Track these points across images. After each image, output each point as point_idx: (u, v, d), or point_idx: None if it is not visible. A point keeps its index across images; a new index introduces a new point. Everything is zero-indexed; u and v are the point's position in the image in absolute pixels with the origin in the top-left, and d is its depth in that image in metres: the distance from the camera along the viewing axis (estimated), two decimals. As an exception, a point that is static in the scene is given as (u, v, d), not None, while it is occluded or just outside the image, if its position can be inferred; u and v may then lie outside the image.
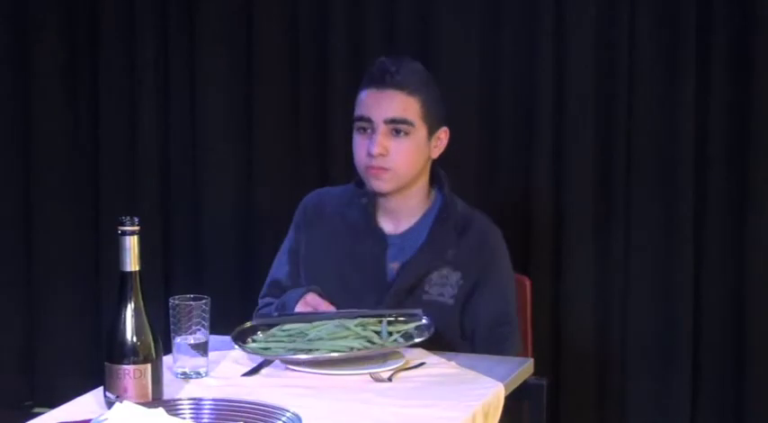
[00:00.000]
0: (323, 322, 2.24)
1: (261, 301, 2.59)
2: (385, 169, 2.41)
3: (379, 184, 2.43)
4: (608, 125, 3.38)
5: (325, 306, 2.35)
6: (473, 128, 3.47)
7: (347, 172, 3.57)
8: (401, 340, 2.20)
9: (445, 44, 3.50)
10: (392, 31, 3.56)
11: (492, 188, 3.46)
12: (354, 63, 3.58)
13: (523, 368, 2.25)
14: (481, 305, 2.44)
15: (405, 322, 2.26)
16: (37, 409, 3.81)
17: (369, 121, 2.41)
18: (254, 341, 2.23)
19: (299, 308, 2.37)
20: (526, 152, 3.45)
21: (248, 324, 2.29)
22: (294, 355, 2.14)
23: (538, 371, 2.33)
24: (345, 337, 2.18)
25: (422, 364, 2.21)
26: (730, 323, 3.33)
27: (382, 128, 2.39)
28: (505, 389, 2.10)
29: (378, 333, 2.21)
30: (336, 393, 2.03)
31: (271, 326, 2.28)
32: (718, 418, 3.37)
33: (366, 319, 2.24)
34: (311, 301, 2.37)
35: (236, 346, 2.20)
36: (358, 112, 2.44)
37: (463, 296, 2.43)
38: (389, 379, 2.12)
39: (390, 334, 2.22)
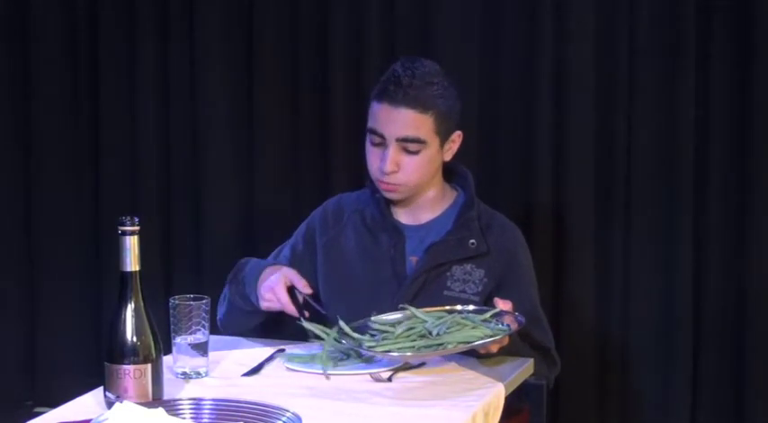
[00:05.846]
0: (433, 318, 2.21)
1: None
2: (396, 184, 2.44)
3: (391, 195, 2.49)
4: (608, 125, 3.38)
5: (302, 285, 2.33)
6: (473, 129, 3.46)
7: (348, 172, 3.59)
8: (506, 327, 2.18)
9: (445, 45, 3.49)
10: (393, 31, 3.56)
11: (492, 188, 3.45)
12: (355, 64, 3.58)
13: (523, 368, 2.26)
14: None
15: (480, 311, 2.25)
16: (37, 409, 3.79)
17: (381, 136, 2.42)
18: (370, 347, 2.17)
19: (267, 282, 2.34)
20: (526, 152, 3.44)
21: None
22: (437, 349, 2.12)
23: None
24: (462, 329, 2.17)
25: (422, 364, 2.21)
26: (730, 323, 3.32)
27: (394, 145, 2.41)
28: (505, 389, 2.11)
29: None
30: (336, 393, 2.03)
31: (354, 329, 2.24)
32: (719, 418, 3.37)
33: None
34: (290, 274, 2.34)
35: (373, 353, 2.14)
36: (371, 124, 2.44)
37: (487, 294, 2.41)
38: (389, 379, 2.12)
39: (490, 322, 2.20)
